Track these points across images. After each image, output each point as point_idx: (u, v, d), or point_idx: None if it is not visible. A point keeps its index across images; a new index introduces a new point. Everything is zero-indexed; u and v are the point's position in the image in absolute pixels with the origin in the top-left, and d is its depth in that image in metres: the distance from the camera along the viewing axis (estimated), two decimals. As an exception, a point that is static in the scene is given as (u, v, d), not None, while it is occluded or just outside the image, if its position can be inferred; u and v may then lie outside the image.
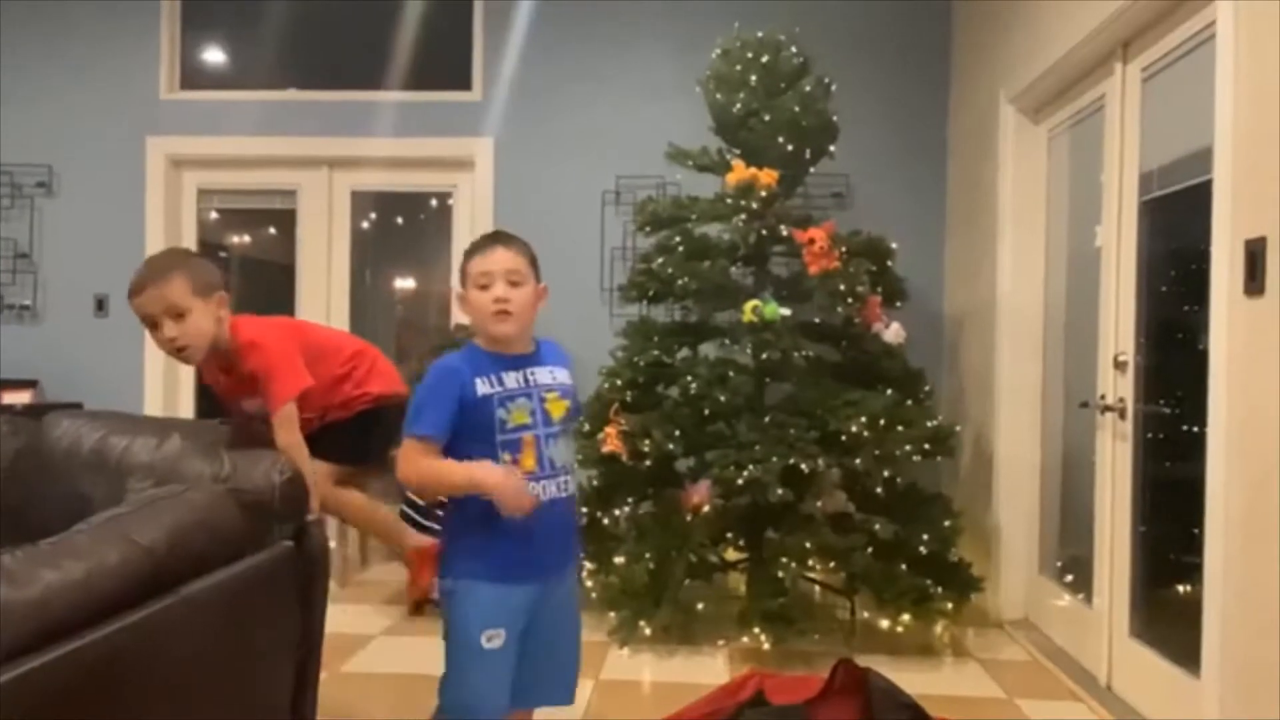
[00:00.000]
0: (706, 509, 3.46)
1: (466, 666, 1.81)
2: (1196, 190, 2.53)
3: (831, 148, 3.93)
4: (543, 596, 1.86)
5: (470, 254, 1.89)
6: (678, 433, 3.51)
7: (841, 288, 3.51)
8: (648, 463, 3.59)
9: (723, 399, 3.48)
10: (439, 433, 1.78)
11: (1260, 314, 2.13)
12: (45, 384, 4.82)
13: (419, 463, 1.79)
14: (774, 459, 3.28)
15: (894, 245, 3.88)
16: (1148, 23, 2.86)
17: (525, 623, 1.85)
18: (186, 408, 5.03)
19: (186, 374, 5.05)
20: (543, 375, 1.89)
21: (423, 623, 3.60)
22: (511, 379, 1.84)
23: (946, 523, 3.54)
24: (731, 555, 3.71)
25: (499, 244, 1.88)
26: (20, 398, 4.61)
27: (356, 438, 2.79)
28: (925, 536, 3.47)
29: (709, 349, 3.85)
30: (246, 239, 5.55)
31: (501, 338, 1.85)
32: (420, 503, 3.82)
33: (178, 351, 2.31)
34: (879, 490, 3.52)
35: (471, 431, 1.80)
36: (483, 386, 1.80)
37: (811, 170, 4.01)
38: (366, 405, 2.80)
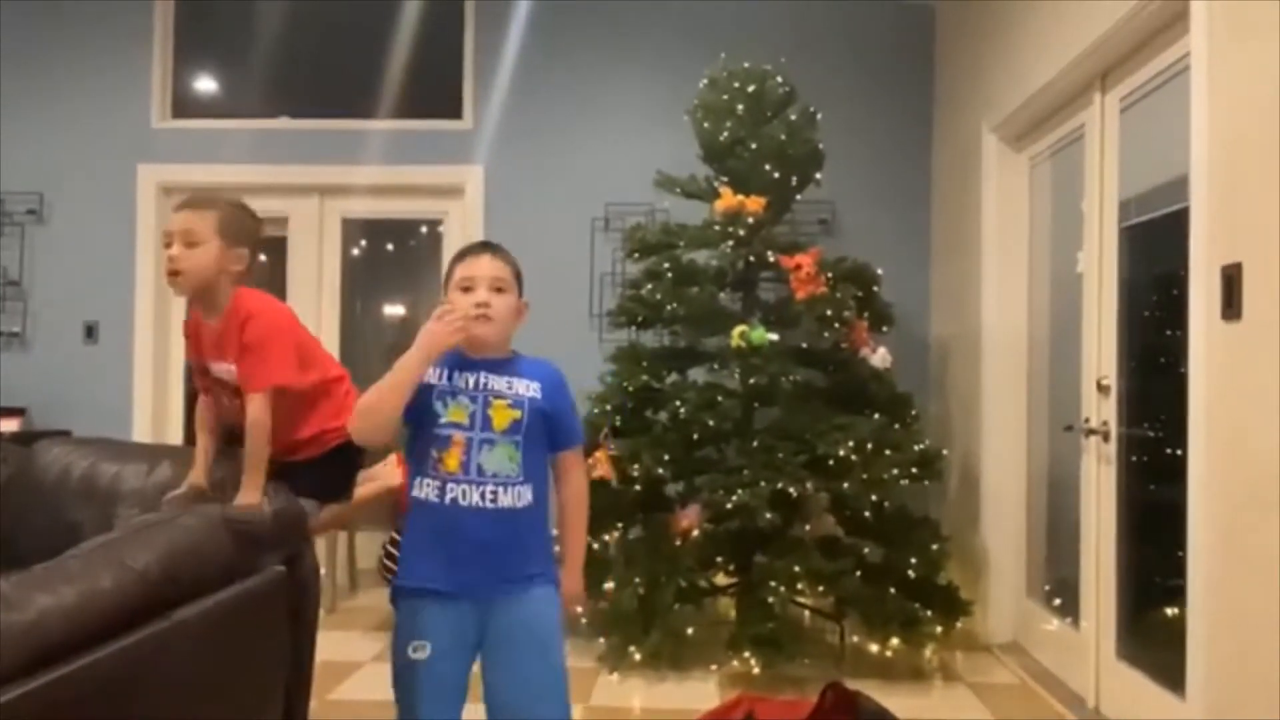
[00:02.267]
0: (696, 533, 3.47)
1: (398, 674, 1.83)
2: (1174, 217, 2.58)
3: (818, 175, 3.99)
4: (489, 615, 1.81)
5: (458, 258, 1.90)
6: (667, 457, 3.53)
7: (828, 313, 3.55)
8: (637, 487, 3.60)
9: (711, 424, 3.50)
10: None
11: (1237, 338, 2.17)
12: (34, 411, 4.80)
13: (363, 395, 1.82)
14: (762, 483, 3.30)
15: (880, 271, 3.93)
16: (1125, 54, 2.93)
17: (473, 642, 1.82)
18: (175, 435, 5.02)
19: (176, 401, 5.05)
20: (498, 382, 1.86)
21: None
22: (462, 379, 1.84)
23: (935, 546, 3.56)
24: (721, 580, 3.71)
25: (487, 251, 1.89)
26: (9, 425, 4.59)
27: (328, 472, 2.65)
28: (914, 560, 3.49)
29: (697, 374, 3.88)
30: (237, 266, 5.55)
31: (477, 339, 1.84)
32: (389, 562, 3.84)
33: (171, 275, 2.23)
34: (867, 514, 3.53)
35: (416, 418, 1.82)
36: (430, 376, 1.82)
37: (798, 197, 4.06)
38: (339, 440, 2.63)
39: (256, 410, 2.18)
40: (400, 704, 1.83)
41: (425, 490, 1.82)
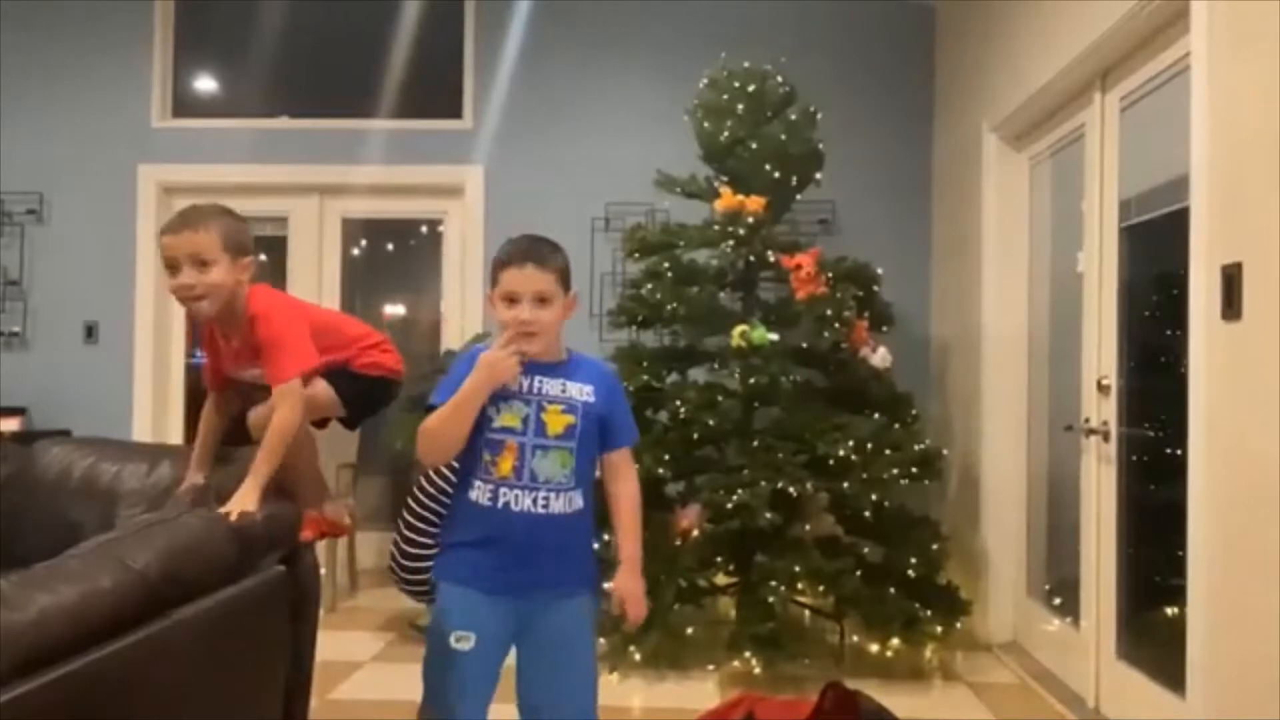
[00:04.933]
0: (696, 533, 3.47)
1: (434, 662, 1.84)
2: (1174, 217, 2.58)
3: (818, 175, 3.99)
4: (529, 615, 1.85)
5: (505, 263, 1.84)
6: (667, 457, 3.53)
7: (828, 313, 3.55)
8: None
9: (711, 423, 3.50)
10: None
11: (1237, 338, 2.17)
12: (34, 411, 4.80)
13: (428, 419, 1.81)
14: (762, 483, 3.30)
15: (880, 270, 3.93)
16: (1125, 54, 2.93)
17: (510, 637, 1.85)
18: (176, 434, 5.02)
19: (176, 400, 5.05)
20: (552, 386, 1.85)
21: (413, 649, 3.58)
22: (516, 382, 1.82)
23: (934, 546, 3.56)
24: (721, 580, 3.71)
25: (531, 262, 1.82)
26: (9, 425, 4.59)
27: (356, 389, 2.64)
28: (913, 560, 3.49)
29: (698, 374, 3.88)
30: (237, 266, 5.56)
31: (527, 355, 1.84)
32: (407, 562, 3.80)
33: (193, 300, 2.21)
34: (867, 514, 3.53)
35: None
36: None
37: (798, 197, 4.06)
38: (376, 371, 2.65)
39: (287, 410, 2.17)
40: (432, 690, 1.85)
41: (477, 493, 1.83)
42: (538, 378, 1.85)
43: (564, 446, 1.84)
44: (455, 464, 1.89)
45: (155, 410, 4.94)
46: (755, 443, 3.51)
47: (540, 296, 1.82)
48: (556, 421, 1.84)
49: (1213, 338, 2.26)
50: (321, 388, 2.43)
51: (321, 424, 2.63)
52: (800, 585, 3.37)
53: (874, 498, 3.48)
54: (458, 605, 1.83)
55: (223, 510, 1.87)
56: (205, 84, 5.20)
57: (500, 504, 1.81)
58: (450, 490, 1.92)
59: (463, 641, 1.80)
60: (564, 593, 1.90)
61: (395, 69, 4.98)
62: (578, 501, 1.87)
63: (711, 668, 3.42)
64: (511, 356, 1.77)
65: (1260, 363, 2.08)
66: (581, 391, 1.87)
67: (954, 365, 4.40)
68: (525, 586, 1.84)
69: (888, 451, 3.45)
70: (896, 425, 3.65)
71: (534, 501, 1.82)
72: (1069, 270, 3.39)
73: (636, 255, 4.02)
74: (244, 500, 1.96)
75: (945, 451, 3.89)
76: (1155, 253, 2.92)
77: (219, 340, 2.35)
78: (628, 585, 1.98)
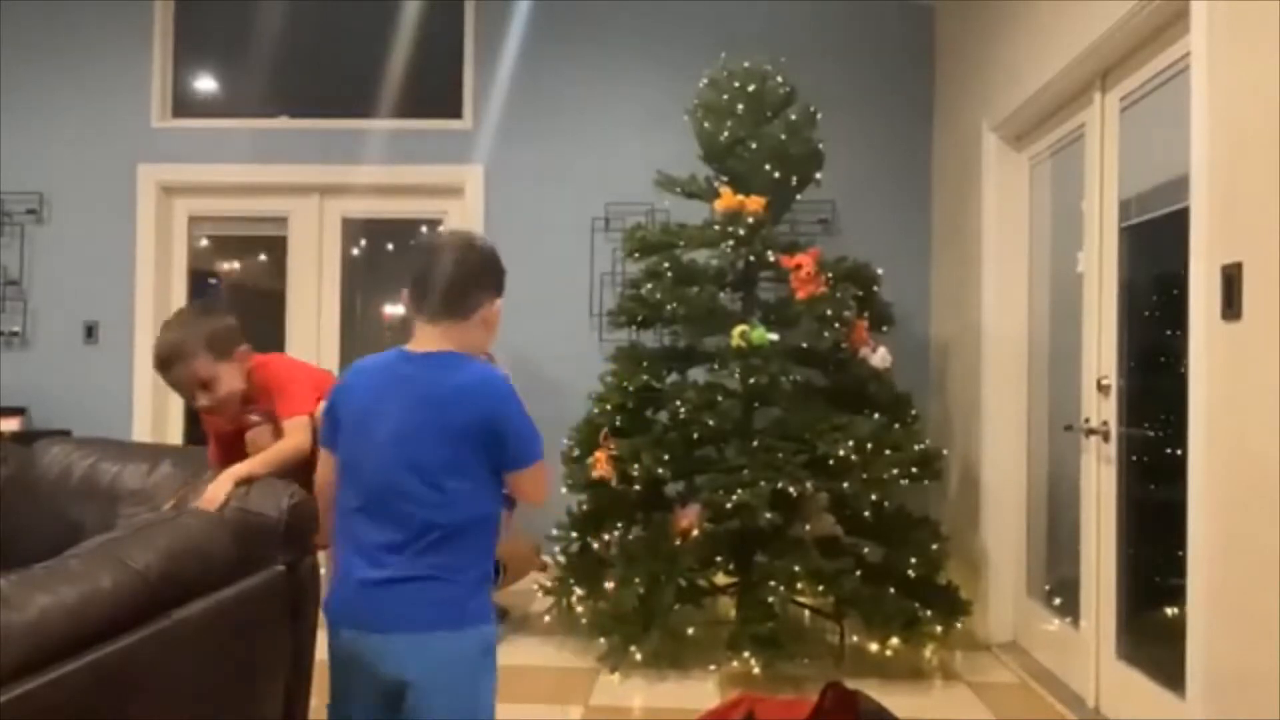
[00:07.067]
0: (696, 533, 3.47)
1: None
2: (1174, 217, 2.58)
3: (818, 175, 3.99)
4: None
5: (504, 284, 1.85)
6: (667, 457, 3.53)
7: (828, 313, 3.55)
8: (637, 487, 3.60)
9: (711, 423, 3.50)
10: None
11: (1237, 338, 2.17)
12: (34, 411, 4.81)
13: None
14: (762, 483, 3.30)
15: (880, 271, 3.93)
16: (1125, 54, 2.93)
17: None
18: (175, 434, 5.02)
19: (175, 401, 5.04)
20: None
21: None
22: None
23: (934, 546, 3.56)
24: (721, 580, 3.72)
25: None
26: (9, 425, 4.59)
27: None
28: (913, 560, 3.49)
29: (698, 374, 3.88)
30: (237, 266, 5.56)
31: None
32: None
33: (218, 413, 2.33)
34: (867, 514, 3.53)
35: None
36: None
37: (798, 197, 4.06)
38: None
39: (297, 438, 2.23)
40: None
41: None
42: None
43: None
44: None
45: (155, 410, 4.94)
46: (755, 443, 3.51)
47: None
48: None
49: (1213, 338, 2.26)
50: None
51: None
52: (800, 585, 3.37)
53: (874, 498, 3.48)
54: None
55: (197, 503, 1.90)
56: (205, 84, 5.20)
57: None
58: None
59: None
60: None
61: (395, 69, 4.97)
62: None
63: (712, 668, 3.42)
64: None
65: (1260, 363, 2.08)
66: None
67: (954, 365, 4.40)
68: None
69: (888, 451, 3.45)
70: (896, 425, 3.64)
71: None
72: (1069, 270, 3.39)
73: (636, 255, 4.02)
74: (217, 489, 1.99)
75: (945, 451, 3.89)
76: (1155, 253, 2.92)
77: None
78: None
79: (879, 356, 3.77)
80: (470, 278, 1.77)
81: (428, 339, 1.76)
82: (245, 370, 2.33)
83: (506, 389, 1.72)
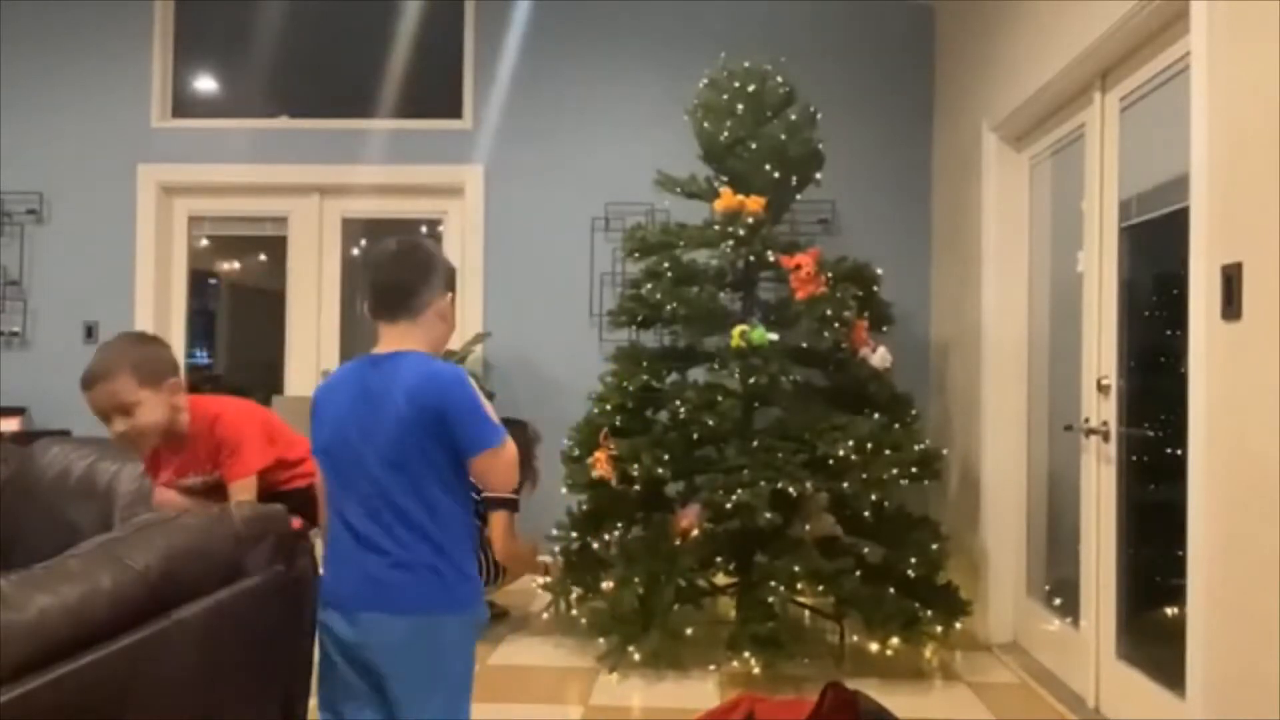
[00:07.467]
0: (696, 533, 3.47)
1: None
2: (1174, 217, 2.58)
3: (817, 175, 3.99)
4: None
5: (454, 280, 1.97)
6: (667, 457, 3.53)
7: (828, 313, 3.55)
8: (637, 487, 3.60)
9: (711, 423, 3.50)
10: None
11: (1237, 338, 2.17)
12: (34, 411, 4.80)
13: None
14: (762, 483, 3.29)
15: (879, 271, 3.93)
16: (1125, 54, 2.93)
17: None
18: (175, 434, 5.01)
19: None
20: None
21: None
22: None
23: (934, 546, 3.56)
24: (721, 580, 3.72)
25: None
26: (9, 425, 4.59)
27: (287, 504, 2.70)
28: (913, 560, 3.48)
29: (697, 374, 3.88)
30: (237, 266, 5.57)
31: None
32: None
33: (131, 445, 2.26)
34: (867, 514, 3.53)
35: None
36: None
37: (798, 197, 4.06)
38: (303, 482, 2.68)
39: (246, 493, 2.28)
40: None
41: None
42: None
43: None
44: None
45: (155, 410, 4.93)
46: (755, 443, 3.51)
47: None
48: None
49: (1213, 338, 2.26)
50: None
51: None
52: (800, 585, 3.37)
53: (874, 498, 3.48)
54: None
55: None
56: (205, 84, 5.20)
57: None
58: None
59: None
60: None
61: (395, 69, 4.98)
62: None
63: (712, 668, 3.42)
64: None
65: (1260, 363, 2.08)
66: None
67: (954, 365, 4.40)
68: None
69: (888, 451, 3.45)
70: (896, 425, 3.64)
71: None
72: (1069, 270, 3.39)
73: (636, 255, 4.02)
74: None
75: (945, 451, 3.89)
76: (1155, 253, 2.92)
77: (159, 454, 2.37)
78: None
79: (879, 356, 3.77)
80: (417, 277, 1.87)
81: (389, 340, 1.86)
82: (173, 405, 2.26)
83: (452, 379, 1.79)
